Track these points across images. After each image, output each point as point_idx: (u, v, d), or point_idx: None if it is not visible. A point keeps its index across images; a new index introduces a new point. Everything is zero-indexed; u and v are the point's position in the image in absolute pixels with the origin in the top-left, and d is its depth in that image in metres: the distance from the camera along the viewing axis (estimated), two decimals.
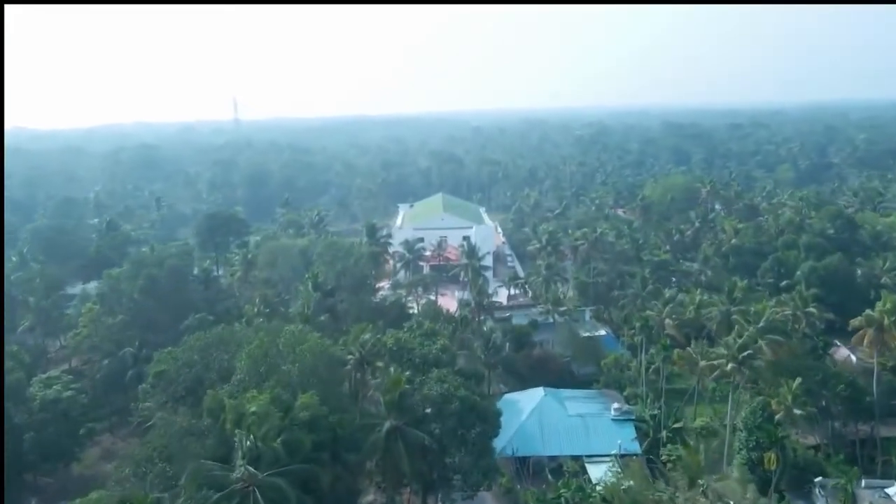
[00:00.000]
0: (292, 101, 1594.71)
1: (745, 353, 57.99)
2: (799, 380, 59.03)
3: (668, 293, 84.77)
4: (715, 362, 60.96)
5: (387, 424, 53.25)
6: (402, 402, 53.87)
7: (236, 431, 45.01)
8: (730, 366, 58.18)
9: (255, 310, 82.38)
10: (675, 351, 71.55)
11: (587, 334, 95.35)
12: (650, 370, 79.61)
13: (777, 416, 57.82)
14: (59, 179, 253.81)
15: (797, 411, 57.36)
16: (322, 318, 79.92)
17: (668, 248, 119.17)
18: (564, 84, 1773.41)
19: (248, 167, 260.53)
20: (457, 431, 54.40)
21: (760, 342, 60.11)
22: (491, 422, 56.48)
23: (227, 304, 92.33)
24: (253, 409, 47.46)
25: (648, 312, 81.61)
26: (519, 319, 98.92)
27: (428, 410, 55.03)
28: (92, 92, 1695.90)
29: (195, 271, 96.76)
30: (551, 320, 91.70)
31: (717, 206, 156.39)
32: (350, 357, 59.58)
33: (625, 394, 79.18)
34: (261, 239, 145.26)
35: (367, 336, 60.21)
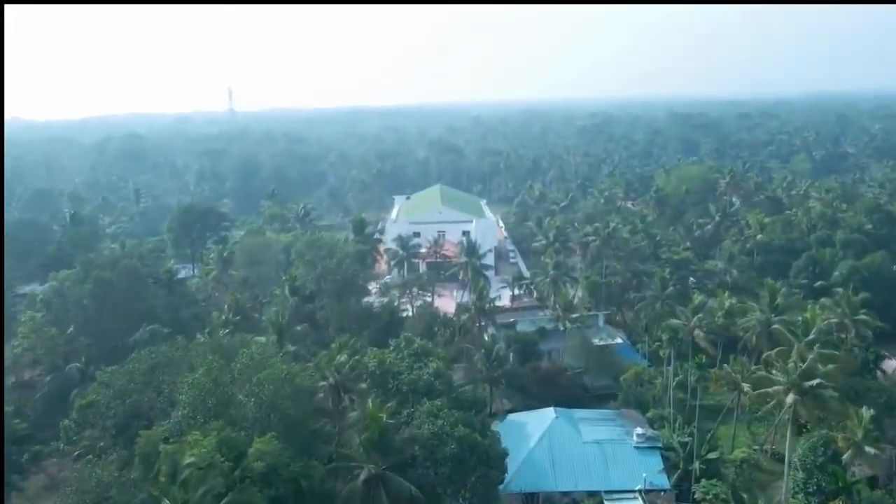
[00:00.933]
0: (291, 93, 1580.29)
1: (814, 383, 46.82)
2: (871, 411, 48.32)
3: (697, 298, 73.94)
4: (770, 390, 50.10)
5: (365, 471, 42.78)
6: (385, 442, 43.38)
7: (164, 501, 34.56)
8: (791, 397, 47.25)
9: (224, 318, 71.94)
10: (713, 371, 60.80)
11: (601, 342, 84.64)
12: (674, 383, 69.43)
13: (844, 457, 47.26)
14: (42, 170, 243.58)
15: (870, 450, 46.71)
16: (299, 327, 69.59)
17: (688, 244, 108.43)
18: (564, 76, 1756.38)
19: (238, 157, 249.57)
20: (453, 478, 43.95)
21: (822, 366, 48.89)
22: (495, 465, 46.03)
23: (195, 309, 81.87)
24: (191, 460, 37.05)
25: (674, 321, 70.91)
26: (524, 325, 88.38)
27: (417, 448, 44.57)
28: (90, 83, 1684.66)
29: (162, 272, 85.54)
30: (561, 328, 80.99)
31: (734, 199, 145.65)
32: (323, 383, 49.00)
33: (648, 415, 68.68)
34: (244, 234, 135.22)
35: (343, 357, 49.59)
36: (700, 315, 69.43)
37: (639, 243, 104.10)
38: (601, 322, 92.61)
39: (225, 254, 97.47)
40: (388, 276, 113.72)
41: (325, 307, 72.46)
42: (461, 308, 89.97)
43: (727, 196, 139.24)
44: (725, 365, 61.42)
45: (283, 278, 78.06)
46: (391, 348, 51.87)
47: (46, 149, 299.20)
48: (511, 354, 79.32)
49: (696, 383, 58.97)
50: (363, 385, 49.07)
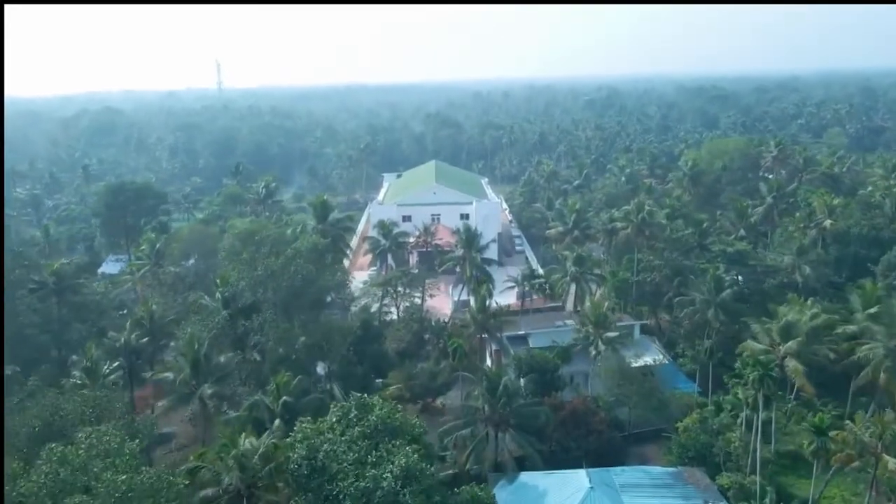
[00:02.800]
0: (286, 70, 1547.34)
1: None
2: None
3: (786, 313, 53.01)
4: None
5: None
6: None
7: None
8: None
9: (122, 340, 51.37)
10: (836, 433, 40.30)
11: (640, 363, 64.00)
12: (740, 425, 49.45)
13: None
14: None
15: None
16: (223, 357, 48.98)
17: (742, 232, 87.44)
18: (565, 53, 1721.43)
19: (214, 133, 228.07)
20: None
21: None
22: None
23: (102, 323, 61.22)
24: None
25: (756, 345, 50.20)
26: (539, 340, 67.94)
27: None
28: (83, 60, 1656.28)
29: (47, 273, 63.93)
30: (593, 352, 60.34)
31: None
32: (208, 491, 28.45)
33: (718, 481, 48.48)
34: (203, 217, 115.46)
35: (248, 443, 28.97)
36: (800, 338, 48.60)
37: (680, 231, 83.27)
38: (637, 333, 72.20)
39: (158, 245, 76.76)
40: (370, 270, 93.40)
41: (266, 324, 51.79)
42: (459, 319, 69.92)
43: (773, 173, 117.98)
44: (849, 422, 40.82)
45: (217, 283, 57.27)
46: (334, 418, 30.91)
47: (13, 124, 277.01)
48: (523, 382, 59.26)
49: (814, 456, 38.55)
50: (284, 490, 28.49)
